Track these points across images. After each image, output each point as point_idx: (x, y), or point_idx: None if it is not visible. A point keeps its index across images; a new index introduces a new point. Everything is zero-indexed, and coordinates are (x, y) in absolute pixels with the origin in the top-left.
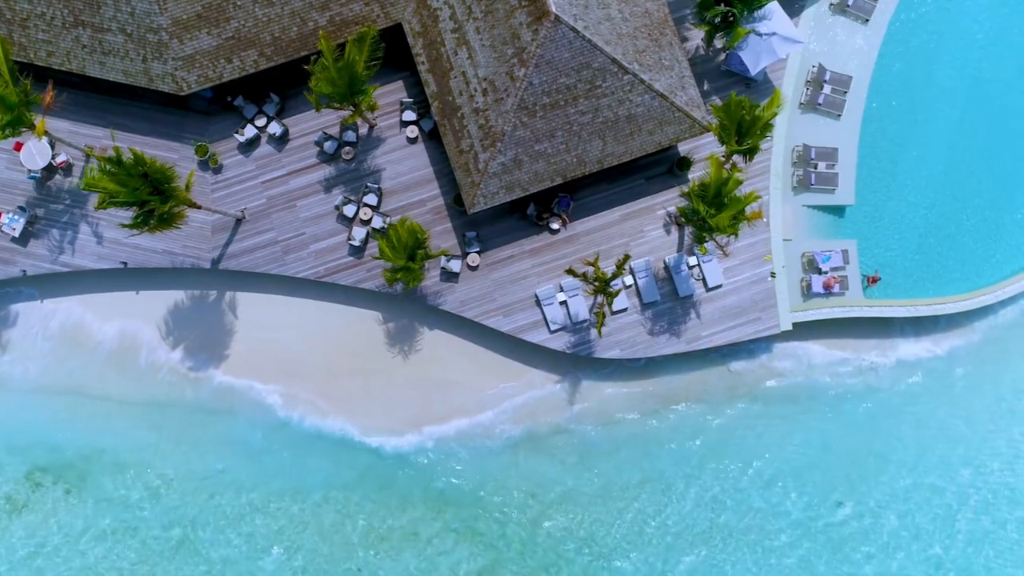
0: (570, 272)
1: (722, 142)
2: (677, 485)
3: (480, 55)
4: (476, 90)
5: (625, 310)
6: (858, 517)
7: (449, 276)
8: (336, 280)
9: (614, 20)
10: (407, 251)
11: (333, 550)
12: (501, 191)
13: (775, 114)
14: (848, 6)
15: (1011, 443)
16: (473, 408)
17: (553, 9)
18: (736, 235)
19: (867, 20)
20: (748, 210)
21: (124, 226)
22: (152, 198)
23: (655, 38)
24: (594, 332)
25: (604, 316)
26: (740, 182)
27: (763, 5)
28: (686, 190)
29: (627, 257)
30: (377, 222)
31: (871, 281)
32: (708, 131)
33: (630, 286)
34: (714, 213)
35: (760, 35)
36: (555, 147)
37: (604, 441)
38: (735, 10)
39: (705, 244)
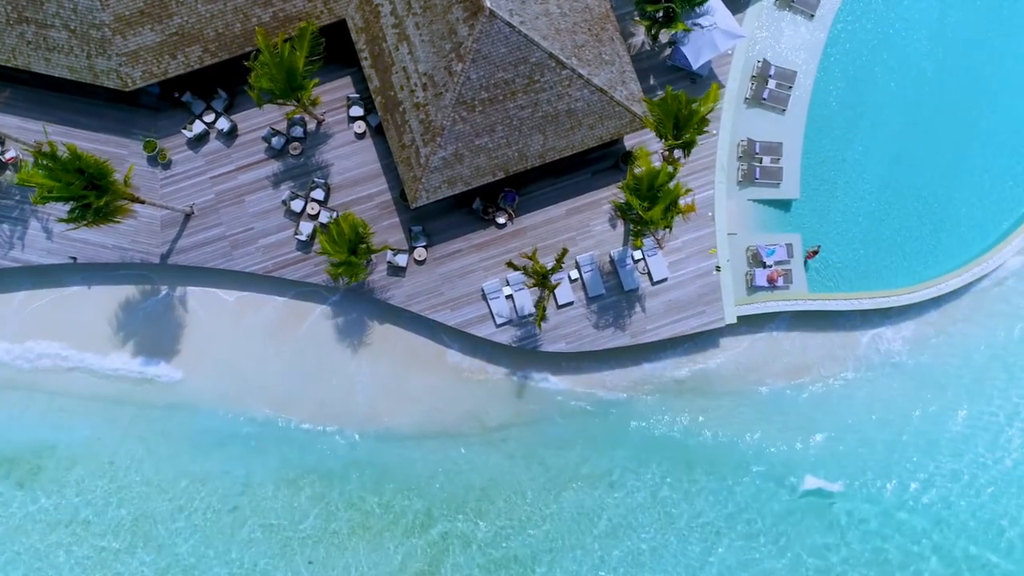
0: (510, 265)
1: (660, 136)
2: (626, 478)
3: (420, 50)
4: (416, 85)
5: (571, 304)
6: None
7: (396, 270)
8: (284, 275)
9: (552, 15)
10: (349, 245)
11: (284, 542)
12: (443, 185)
13: (711, 108)
14: (793, 1)
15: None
16: (425, 402)
17: (488, 4)
18: (670, 228)
19: (812, 15)
20: (682, 203)
21: (61, 220)
22: (88, 193)
23: (595, 33)
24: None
25: (545, 310)
26: (672, 175)
27: (704, 1)
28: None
29: (565, 251)
30: (324, 217)
31: (811, 254)
32: (647, 126)
33: (576, 280)
34: (648, 207)
35: (701, 29)
36: (496, 141)
37: (557, 433)
38: (674, 5)
39: (642, 238)
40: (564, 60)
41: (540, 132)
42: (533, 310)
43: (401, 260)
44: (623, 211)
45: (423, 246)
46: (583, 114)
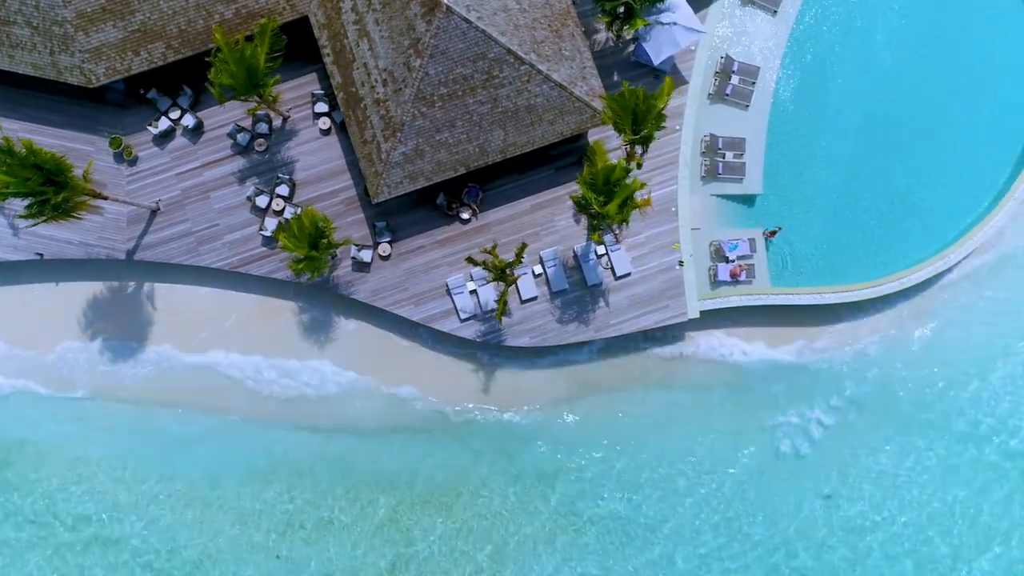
0: (470, 261)
1: (618, 131)
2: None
3: (380, 46)
4: (377, 81)
5: (535, 299)
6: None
7: (361, 266)
8: (249, 271)
9: (511, 11)
10: (309, 241)
11: (253, 538)
12: (405, 181)
13: (667, 103)
14: None
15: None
16: (392, 397)
17: (445, 0)
18: (627, 223)
19: (775, 12)
20: (639, 197)
21: (20, 216)
22: (46, 189)
23: (555, 29)
24: (503, 320)
25: (505, 304)
26: (629, 170)
27: None
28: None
29: (524, 246)
30: (289, 213)
31: (770, 234)
32: (604, 121)
33: (540, 275)
34: (604, 201)
35: (662, 26)
36: (456, 137)
37: (520, 428)
38: (633, 2)
39: (600, 233)
40: (523, 56)
41: (500, 127)
42: (494, 304)
43: (366, 256)
44: (581, 206)
45: (388, 242)
46: (543, 109)
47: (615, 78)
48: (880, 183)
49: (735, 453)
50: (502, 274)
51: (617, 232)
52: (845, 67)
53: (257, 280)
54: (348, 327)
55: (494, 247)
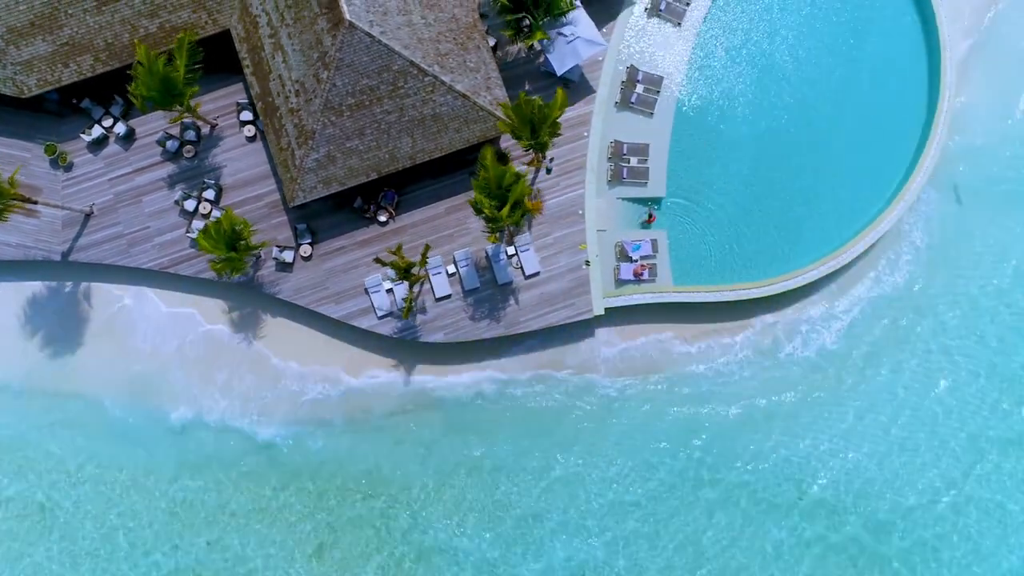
0: (378, 261)
1: (516, 138)
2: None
3: (292, 59)
4: (290, 92)
5: (449, 297)
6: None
7: (283, 266)
8: (179, 271)
9: (415, 25)
10: (227, 242)
11: (184, 525)
12: (319, 185)
13: (561, 112)
14: (660, 10)
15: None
16: (316, 392)
17: (347, 16)
18: (519, 224)
19: (679, 24)
20: (529, 201)
21: None
22: None
23: (461, 42)
24: (419, 317)
25: (412, 303)
26: (520, 175)
27: (564, 12)
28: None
29: (427, 248)
30: (216, 216)
31: (650, 219)
32: (501, 129)
33: (453, 274)
34: (497, 205)
35: (564, 38)
36: (366, 144)
37: (449, 420)
38: (531, 16)
39: (498, 236)
40: (426, 68)
41: (408, 135)
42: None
43: (287, 256)
44: (477, 210)
45: (308, 243)
46: (448, 118)
47: (526, 87)
48: (778, 187)
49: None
50: (407, 274)
51: (512, 232)
52: (745, 77)
53: (187, 280)
54: (274, 324)
55: (399, 248)
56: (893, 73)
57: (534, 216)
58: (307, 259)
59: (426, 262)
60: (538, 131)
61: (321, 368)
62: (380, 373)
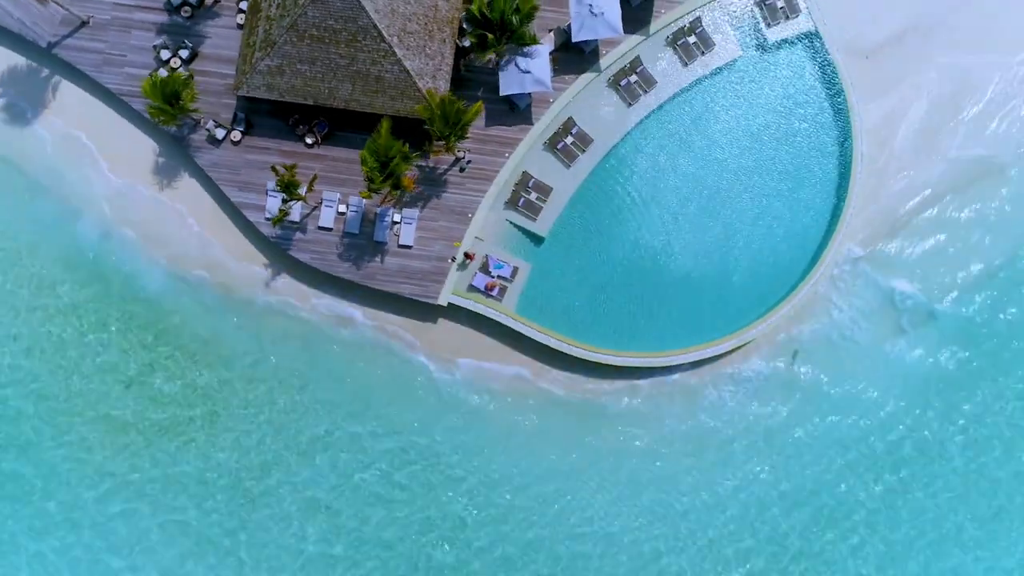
0: (273, 169)
1: (428, 124)
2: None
3: None
4: (274, 3)
5: (330, 230)
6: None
7: (213, 140)
8: (131, 103)
9: None
10: (164, 96)
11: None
12: (262, 87)
13: (471, 119)
14: (621, 85)
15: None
16: (201, 251)
17: None
18: (393, 195)
19: (631, 103)
20: (405, 177)
21: None
22: None
23: (430, 30)
24: (297, 232)
25: (284, 215)
26: (406, 152)
27: (528, 44)
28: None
29: (315, 177)
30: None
31: (468, 257)
32: (419, 113)
33: (343, 214)
34: (377, 168)
35: (518, 67)
36: (313, 73)
37: (280, 328)
38: (492, 35)
39: (369, 192)
40: (386, 36)
41: (350, 83)
42: (298, 218)
43: (219, 134)
44: (362, 162)
45: (241, 131)
46: (389, 85)
47: (479, 92)
48: (645, 278)
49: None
50: (287, 189)
51: (398, 201)
52: (664, 174)
53: (136, 115)
54: (191, 183)
55: (293, 166)
56: (800, 210)
57: (406, 192)
58: (235, 143)
59: (312, 190)
60: (452, 127)
61: (209, 236)
62: (254, 267)
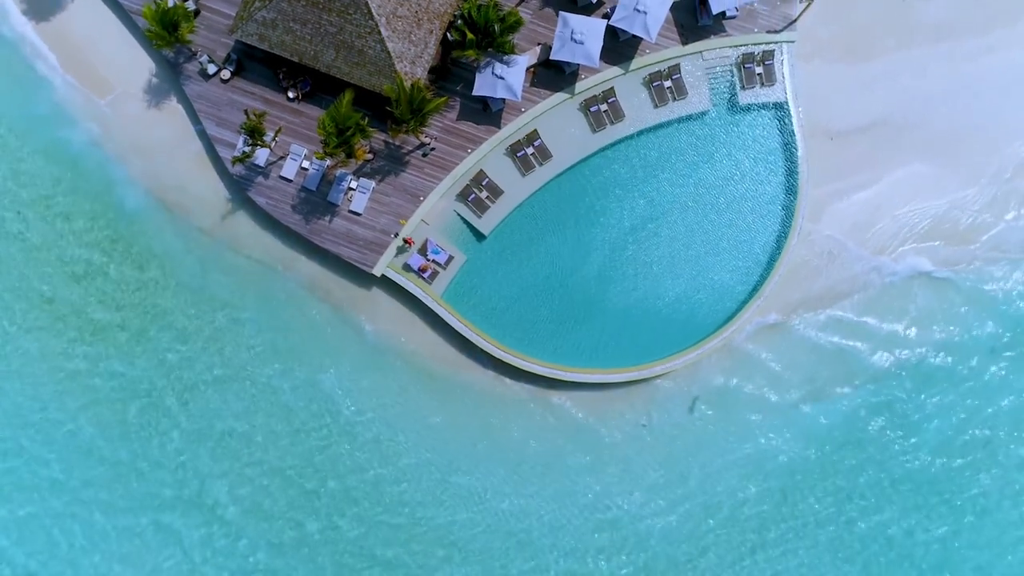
0: (245, 112)
1: (395, 108)
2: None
3: None
4: None
5: (290, 181)
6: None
7: (203, 74)
8: (136, 20)
9: None
10: (163, 23)
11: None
12: (254, 36)
13: (433, 111)
14: (591, 110)
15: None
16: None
17: None
18: (345, 162)
19: (597, 130)
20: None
21: None
22: None
23: (419, 18)
24: (260, 176)
25: (247, 158)
26: (363, 125)
27: (506, 52)
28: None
29: (280, 130)
30: (191, 5)
31: (407, 242)
32: (386, 92)
33: (305, 170)
34: (334, 135)
35: (494, 71)
36: (302, 33)
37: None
38: (473, 36)
39: (324, 154)
40: (375, 14)
41: (335, 50)
42: (263, 163)
43: (211, 69)
44: (319, 125)
45: (231, 71)
46: (369, 60)
47: (457, 87)
48: (571, 295)
49: None
50: (251, 134)
51: (351, 166)
52: (622, 202)
53: (138, 32)
54: (174, 107)
55: (262, 114)
56: (727, 269)
57: (356, 161)
58: (224, 81)
59: (276, 140)
60: (414, 113)
61: (182, 162)
62: (216, 199)
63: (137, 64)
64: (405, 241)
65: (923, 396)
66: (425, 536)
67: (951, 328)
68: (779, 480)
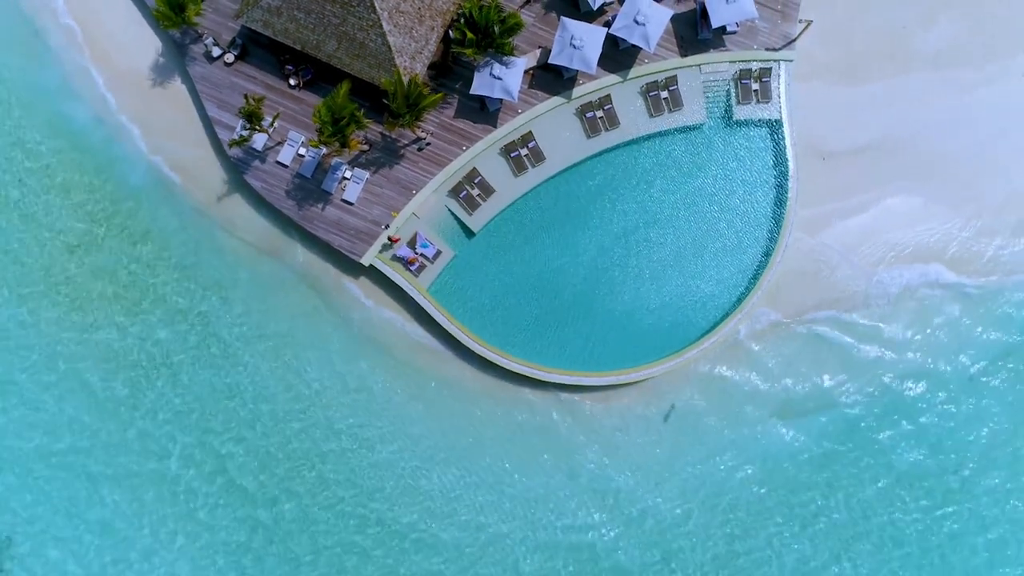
0: (245, 97)
1: (391, 102)
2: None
3: None
4: None
5: (285, 167)
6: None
7: (208, 56)
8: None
9: None
10: (173, 3)
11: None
12: (259, 22)
13: (428, 108)
14: (586, 116)
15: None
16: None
17: None
18: (339, 151)
19: (591, 136)
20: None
21: None
22: None
23: (421, 15)
24: (256, 160)
25: (244, 141)
26: (359, 116)
27: (505, 53)
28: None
29: (277, 115)
30: None
31: (392, 240)
32: (384, 85)
33: (301, 156)
34: (325, 123)
35: (492, 72)
36: (307, 22)
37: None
38: (474, 36)
39: (317, 142)
40: (377, 8)
41: (336, 40)
42: (259, 149)
43: (215, 52)
44: (314, 113)
45: (235, 55)
46: (370, 53)
47: (457, 85)
48: (556, 298)
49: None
50: (249, 118)
51: (325, 153)
52: (604, 209)
53: (146, 9)
54: (177, 87)
55: (261, 99)
56: (713, 280)
57: (350, 152)
58: (227, 65)
59: (274, 127)
60: (410, 107)
61: (183, 141)
62: (213, 180)
63: (143, 43)
64: (390, 239)
65: (903, 421)
66: (397, 526)
67: (934, 349)
68: (744, 492)
